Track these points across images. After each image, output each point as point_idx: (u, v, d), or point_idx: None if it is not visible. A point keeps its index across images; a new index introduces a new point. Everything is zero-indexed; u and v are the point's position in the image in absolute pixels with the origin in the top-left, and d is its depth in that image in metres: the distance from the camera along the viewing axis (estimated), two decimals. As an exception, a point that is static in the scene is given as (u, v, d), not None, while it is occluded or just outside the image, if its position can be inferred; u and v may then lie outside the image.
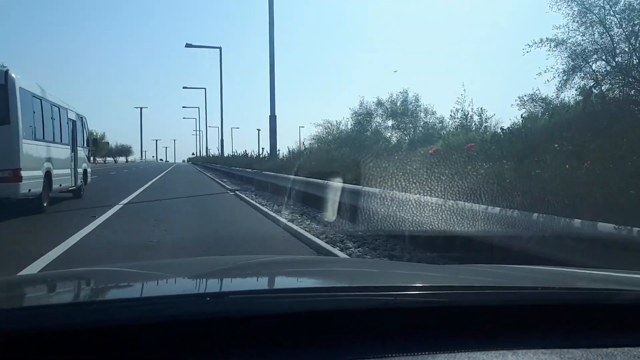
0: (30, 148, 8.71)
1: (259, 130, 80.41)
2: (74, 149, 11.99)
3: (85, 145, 13.68)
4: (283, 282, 1.55)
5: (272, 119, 18.84)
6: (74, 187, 11.92)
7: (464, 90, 46.28)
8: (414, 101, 43.29)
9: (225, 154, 36.40)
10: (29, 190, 8.57)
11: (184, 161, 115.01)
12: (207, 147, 57.17)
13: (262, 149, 24.78)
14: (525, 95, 26.83)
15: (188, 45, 34.16)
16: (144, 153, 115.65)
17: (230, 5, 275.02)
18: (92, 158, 17.55)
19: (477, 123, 38.83)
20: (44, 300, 1.27)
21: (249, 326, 0.96)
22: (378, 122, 45.31)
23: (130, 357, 0.91)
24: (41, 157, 9.35)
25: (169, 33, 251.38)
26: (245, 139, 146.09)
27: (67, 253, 5.45)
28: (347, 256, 5.31)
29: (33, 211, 8.95)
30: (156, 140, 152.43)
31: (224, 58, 35.73)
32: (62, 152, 10.91)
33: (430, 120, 43.99)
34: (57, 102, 10.92)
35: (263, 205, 10.78)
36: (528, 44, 21.50)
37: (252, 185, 17.03)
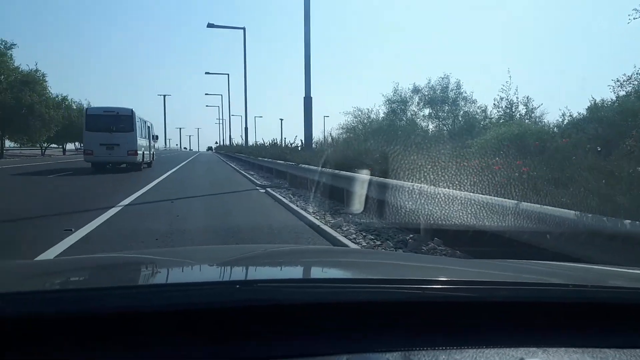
0: (139, 141, 20.63)
1: (281, 119, 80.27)
2: (149, 142, 24.27)
3: (153, 139, 25.84)
4: (310, 272, 1.55)
5: (307, 100, 15.96)
6: (150, 161, 24.30)
7: (510, 77, 42.30)
8: (455, 88, 39.76)
9: (249, 143, 34.68)
10: (139, 160, 20.64)
11: (209, 149, 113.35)
12: (230, 136, 55.05)
13: (284, 138, 22.37)
14: (624, 75, 23.02)
15: (210, 25, 31.11)
16: (167, 141, 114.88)
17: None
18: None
19: (522, 113, 35.50)
20: (74, 284, 1.27)
21: (276, 315, 0.97)
22: (413, 110, 42.12)
23: (156, 342, 0.91)
24: (142, 145, 21.20)
25: (192, 17, 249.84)
26: (268, 129, 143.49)
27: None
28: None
29: (137, 169, 20.68)
30: (180, 129, 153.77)
31: (248, 41, 33.15)
32: (146, 143, 23.03)
33: (471, 110, 40.39)
34: (144, 119, 22.96)
35: (312, 214, 7.88)
36: (635, 9, 18.52)
37: (285, 181, 14.23)
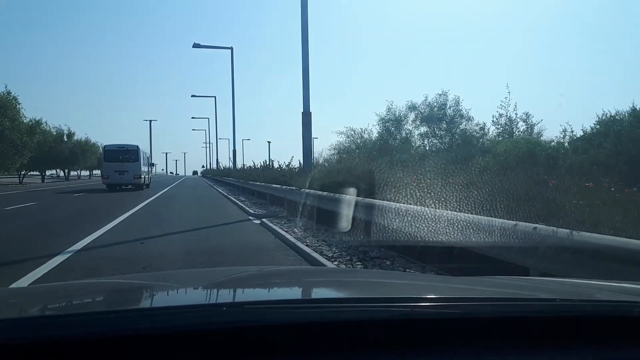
0: (142, 168, 27.33)
1: (269, 142, 78.69)
2: (149, 168, 31.50)
3: (150, 166, 33.55)
4: (298, 292, 1.54)
5: (307, 116, 13.96)
6: (148, 183, 29.94)
7: (509, 92, 40.78)
8: (453, 105, 38.15)
9: (237, 166, 32.43)
10: (142, 182, 27.30)
11: (194, 173, 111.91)
12: (217, 160, 53.40)
13: (272, 160, 20.34)
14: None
15: (196, 46, 29.50)
16: (154, 167, 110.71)
17: (240, 8, 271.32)
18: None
19: (521, 130, 34.02)
20: (60, 310, 1.27)
21: (264, 336, 0.96)
22: (408, 129, 40.45)
23: None
24: (144, 171, 27.87)
25: (178, 42, 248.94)
26: (256, 151, 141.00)
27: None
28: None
29: (140, 189, 25.92)
30: (166, 154, 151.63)
31: (235, 61, 31.44)
32: (147, 169, 29.87)
33: (469, 127, 38.79)
34: (145, 151, 29.98)
35: (332, 259, 5.77)
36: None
37: (282, 208, 12.13)
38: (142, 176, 27.34)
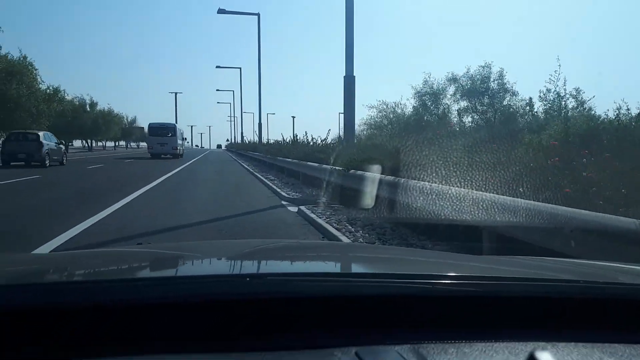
0: (178, 142, 36.86)
1: (293, 117, 77.24)
2: (182, 142, 42.38)
3: (184, 139, 47.11)
4: (321, 266, 1.54)
5: (349, 80, 11.71)
6: (182, 153, 37.78)
7: (559, 65, 37.27)
8: (497, 78, 35.02)
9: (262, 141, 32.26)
10: (178, 152, 35.96)
11: (218, 146, 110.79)
12: (242, 133, 51.63)
13: (296, 135, 18.96)
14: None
15: (221, 11, 27.92)
16: (185, 140, 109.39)
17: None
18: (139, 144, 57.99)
19: (572, 107, 30.88)
20: (84, 276, 1.28)
21: (286, 308, 0.97)
22: (446, 103, 37.59)
23: (165, 335, 0.92)
24: (179, 144, 37.74)
25: (203, 11, 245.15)
26: (279, 127, 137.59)
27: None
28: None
29: (176, 158, 33.40)
30: (191, 127, 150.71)
31: (261, 33, 29.49)
32: (181, 142, 40.13)
33: (513, 102, 35.66)
34: (180, 128, 40.84)
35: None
36: None
37: (320, 191, 9.94)
38: (178, 148, 36.65)
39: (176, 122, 69.62)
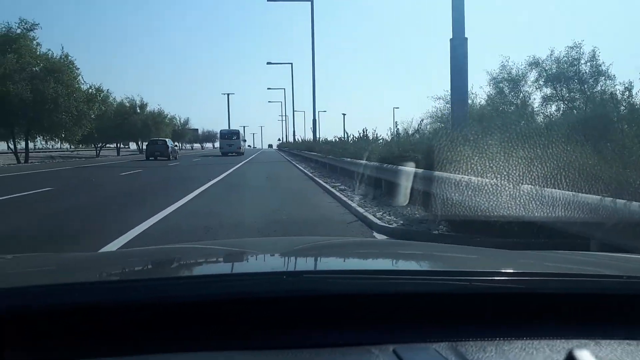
0: (241, 143, 49.63)
1: (344, 114, 74.09)
2: (243, 143, 54.86)
3: (244, 141, 63.63)
4: (357, 263, 1.55)
5: (459, 43, 8.01)
6: (243, 152, 47.97)
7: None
8: (589, 60, 29.83)
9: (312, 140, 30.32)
10: (241, 151, 47.03)
11: (269, 146, 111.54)
12: (294, 132, 49.71)
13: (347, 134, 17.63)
14: None
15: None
16: (245, 142, 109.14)
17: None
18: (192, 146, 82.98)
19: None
20: (131, 275, 1.33)
21: (323, 305, 0.98)
22: (526, 91, 32.75)
23: (202, 333, 0.93)
24: (241, 145, 50.27)
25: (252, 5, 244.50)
26: (330, 125, 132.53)
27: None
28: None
29: (240, 155, 42.06)
30: (244, 127, 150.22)
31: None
32: (242, 144, 52.35)
33: (607, 88, 30.27)
34: (240, 131, 54.00)
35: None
36: None
37: (432, 208, 6.21)
38: (241, 148, 47.90)
39: (229, 123, 80.00)
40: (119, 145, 54.07)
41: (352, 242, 2.60)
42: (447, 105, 34.70)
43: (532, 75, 31.62)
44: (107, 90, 33.03)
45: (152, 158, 32.14)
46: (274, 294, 0.97)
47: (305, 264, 1.50)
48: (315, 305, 0.97)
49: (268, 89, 62.93)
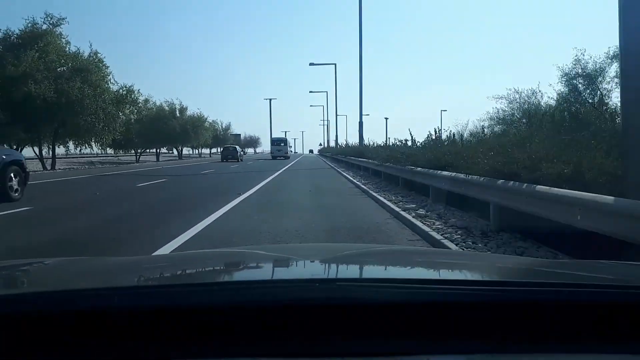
0: (288, 149, 65.44)
1: (386, 118, 72.49)
2: (290, 148, 73.29)
3: (290, 146, 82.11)
4: (389, 272, 1.55)
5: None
6: (289, 156, 58.94)
7: None
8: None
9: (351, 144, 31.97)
10: (288, 155, 59.28)
11: (310, 151, 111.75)
12: (336, 136, 47.61)
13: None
14: None
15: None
16: (291, 147, 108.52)
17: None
18: (245, 150, 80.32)
19: None
20: (163, 280, 1.37)
21: (355, 313, 0.97)
22: (605, 88, 28.37)
23: (233, 339, 0.95)
24: (289, 150, 67.73)
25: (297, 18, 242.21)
26: (371, 130, 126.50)
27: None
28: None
29: (287, 159, 51.42)
30: (285, 132, 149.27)
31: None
32: (289, 149, 67.58)
33: None
34: (287, 139, 70.43)
35: None
36: None
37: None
38: (288, 153, 57.75)
39: (271, 128, 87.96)
40: (158, 150, 52.46)
41: (391, 250, 2.51)
42: (511, 105, 30.79)
43: (612, 70, 27.24)
44: (139, 90, 30.68)
45: (226, 160, 43.89)
46: (307, 302, 0.98)
47: (339, 271, 1.49)
48: (350, 313, 0.97)
49: (310, 92, 60.77)
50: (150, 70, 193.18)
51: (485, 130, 30.16)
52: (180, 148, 54.77)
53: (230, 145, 49.08)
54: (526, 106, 30.32)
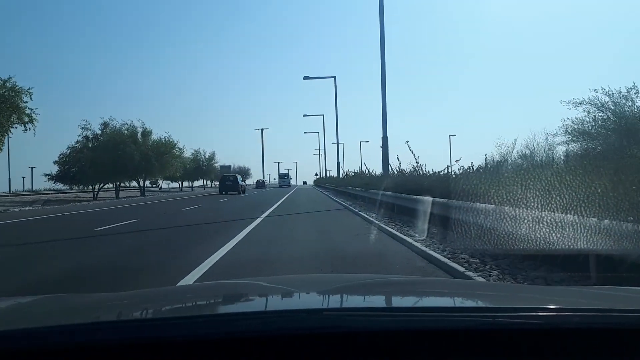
0: (290, 181, 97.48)
1: (407, 141, 61.36)
2: (290, 180, 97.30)
3: (290, 178, 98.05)
4: (376, 300, 1.55)
5: None
6: (291, 185, 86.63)
7: None
8: None
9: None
10: (290, 186, 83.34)
11: (304, 183, 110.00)
12: (337, 163, 38.91)
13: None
14: None
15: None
16: (267, 176, 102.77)
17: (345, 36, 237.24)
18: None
19: None
20: (158, 314, 1.37)
21: (344, 341, 0.99)
22: None
23: None
24: (290, 182, 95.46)
25: (287, 60, 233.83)
26: (369, 157, 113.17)
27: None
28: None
29: (290, 189, 56.21)
30: (278, 163, 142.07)
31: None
32: (290, 181, 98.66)
33: None
34: (290, 175, 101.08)
35: None
36: None
37: None
38: (290, 184, 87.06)
39: (263, 159, 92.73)
40: (119, 184, 42.61)
41: (384, 281, 2.39)
42: (597, 109, 21.55)
43: None
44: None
45: (225, 192, 37.43)
46: (295, 331, 0.99)
47: (329, 302, 1.50)
48: (342, 342, 0.98)
49: (304, 115, 51.92)
50: (131, 96, 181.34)
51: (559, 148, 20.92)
52: (143, 181, 44.30)
53: (229, 174, 42.55)
54: (618, 110, 21.01)
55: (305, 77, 36.18)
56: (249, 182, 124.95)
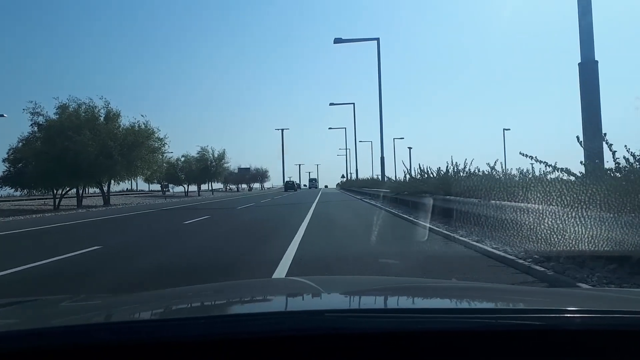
0: (318, 185, 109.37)
1: (410, 148, 63.79)
2: (318, 183, 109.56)
3: (317, 181, 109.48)
4: (378, 302, 1.55)
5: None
6: (319, 188, 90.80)
7: None
8: None
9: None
10: (317, 189, 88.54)
11: (326, 186, 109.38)
12: (382, 160, 26.24)
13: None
14: None
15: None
16: (289, 179, 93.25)
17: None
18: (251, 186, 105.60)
19: None
20: (156, 315, 1.37)
21: (346, 343, 1.00)
22: None
23: None
24: (317, 186, 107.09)
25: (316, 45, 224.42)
26: (392, 160, 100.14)
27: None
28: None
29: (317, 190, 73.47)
30: (299, 165, 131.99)
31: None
32: (318, 184, 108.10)
33: None
34: (315, 177, 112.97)
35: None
36: None
37: None
38: (318, 186, 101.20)
39: (283, 160, 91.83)
40: (81, 191, 30.89)
41: (393, 281, 2.44)
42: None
43: None
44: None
45: (286, 190, 61.81)
46: (300, 332, 1.00)
47: (330, 303, 1.50)
48: (348, 344, 0.98)
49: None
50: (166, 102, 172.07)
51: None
52: (106, 186, 31.17)
53: (290, 180, 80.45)
54: None
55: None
56: (267, 185, 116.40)
